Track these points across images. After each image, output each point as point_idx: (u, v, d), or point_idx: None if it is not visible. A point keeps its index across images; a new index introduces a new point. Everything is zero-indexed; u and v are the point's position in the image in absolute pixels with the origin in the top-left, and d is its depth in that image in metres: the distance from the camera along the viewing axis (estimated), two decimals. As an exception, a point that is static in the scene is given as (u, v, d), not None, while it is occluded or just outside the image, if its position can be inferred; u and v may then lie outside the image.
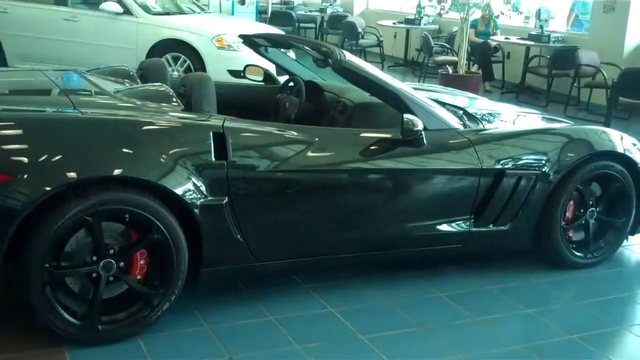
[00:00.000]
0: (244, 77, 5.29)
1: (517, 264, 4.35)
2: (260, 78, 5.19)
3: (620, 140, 4.41)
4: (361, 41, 13.70)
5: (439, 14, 10.57)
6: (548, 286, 4.12)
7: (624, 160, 4.35)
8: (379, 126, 3.91)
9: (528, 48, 10.77)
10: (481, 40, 11.35)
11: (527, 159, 4.06)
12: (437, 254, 4.08)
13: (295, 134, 3.60)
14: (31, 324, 3.11)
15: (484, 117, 4.46)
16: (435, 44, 11.93)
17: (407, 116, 3.65)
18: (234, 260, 3.47)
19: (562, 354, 3.40)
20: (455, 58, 10.81)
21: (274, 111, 4.76)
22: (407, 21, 13.36)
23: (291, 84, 4.77)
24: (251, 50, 5.14)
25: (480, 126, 4.22)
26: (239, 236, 3.39)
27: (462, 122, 4.14)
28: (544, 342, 3.49)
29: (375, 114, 4.12)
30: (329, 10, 16.02)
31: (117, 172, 3.08)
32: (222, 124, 3.37)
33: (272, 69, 5.40)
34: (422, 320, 3.58)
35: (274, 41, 4.80)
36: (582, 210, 4.33)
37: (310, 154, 3.55)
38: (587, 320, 3.77)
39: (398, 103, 3.85)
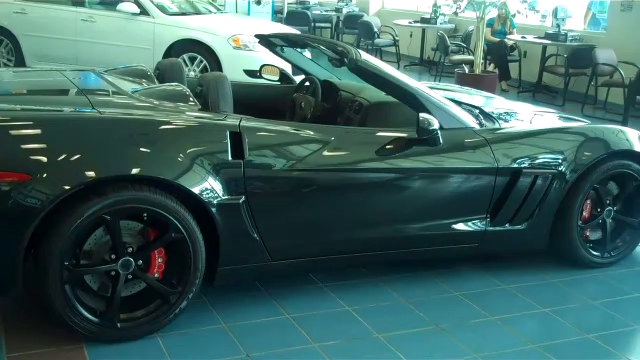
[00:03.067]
0: (260, 76, 5.32)
1: (533, 263, 4.34)
2: (277, 78, 5.21)
3: (638, 139, 4.39)
4: (377, 40, 13.70)
5: (455, 13, 10.53)
6: (564, 285, 4.11)
7: (642, 159, 4.33)
8: (395, 125, 3.91)
9: (545, 47, 10.73)
10: (497, 39, 11.31)
11: (543, 158, 4.05)
12: (453, 253, 4.08)
13: (311, 133, 3.61)
14: (51, 321, 3.15)
15: (501, 116, 4.45)
16: (451, 43, 11.90)
17: (423, 115, 3.65)
18: (251, 259, 3.49)
19: (578, 353, 3.40)
20: (471, 57, 10.79)
21: (290, 111, 4.78)
22: (423, 20, 13.34)
23: (307, 83, 4.78)
24: (267, 50, 5.16)
25: (497, 125, 4.22)
26: (255, 235, 3.41)
27: (478, 121, 4.14)
28: (560, 341, 3.49)
29: (391, 113, 4.12)
30: (344, 10, 16.02)
31: (135, 171, 3.11)
32: (239, 124, 3.39)
33: (288, 68, 5.42)
34: (438, 319, 3.59)
35: (290, 41, 4.82)
36: (599, 210, 4.31)
37: (326, 153, 3.56)
38: (604, 319, 3.76)
39: (414, 102, 3.86)
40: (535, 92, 10.75)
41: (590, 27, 11.70)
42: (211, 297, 3.60)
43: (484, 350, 3.33)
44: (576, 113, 7.34)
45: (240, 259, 3.46)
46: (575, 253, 4.26)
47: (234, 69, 8.23)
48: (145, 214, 3.14)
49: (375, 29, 13.76)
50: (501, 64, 11.13)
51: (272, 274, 3.70)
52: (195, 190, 3.19)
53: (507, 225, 4.03)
